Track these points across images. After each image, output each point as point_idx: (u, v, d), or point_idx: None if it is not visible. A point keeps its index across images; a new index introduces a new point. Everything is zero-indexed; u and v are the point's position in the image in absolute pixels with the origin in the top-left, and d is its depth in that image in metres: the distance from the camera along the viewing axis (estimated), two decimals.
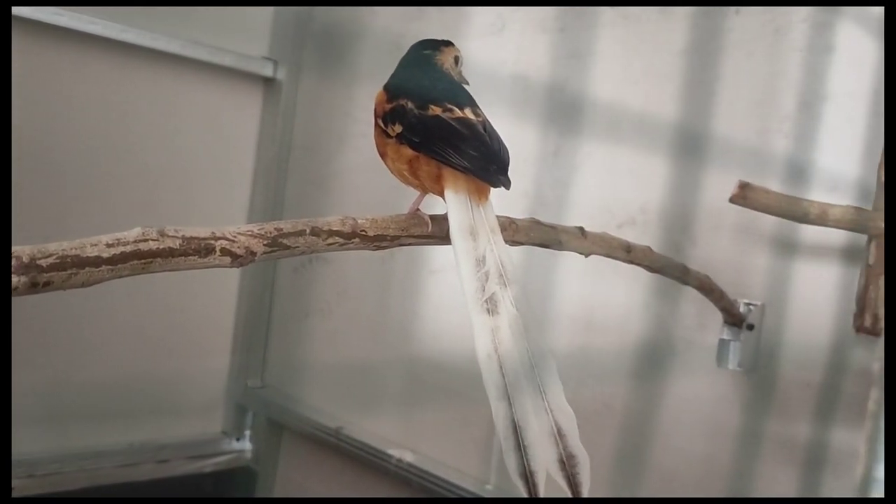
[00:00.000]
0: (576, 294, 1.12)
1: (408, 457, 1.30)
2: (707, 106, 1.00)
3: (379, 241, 0.61)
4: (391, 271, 1.39)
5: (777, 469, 0.92)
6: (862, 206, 0.83)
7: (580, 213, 1.11)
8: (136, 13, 1.38)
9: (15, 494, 1.31)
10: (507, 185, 0.63)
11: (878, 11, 0.87)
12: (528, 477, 0.55)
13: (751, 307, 0.94)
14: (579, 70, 1.13)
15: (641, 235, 1.03)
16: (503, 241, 0.62)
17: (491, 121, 0.66)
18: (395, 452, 1.32)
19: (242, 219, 1.60)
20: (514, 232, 0.68)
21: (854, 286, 0.86)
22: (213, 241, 0.50)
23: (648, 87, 1.06)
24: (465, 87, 0.71)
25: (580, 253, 0.76)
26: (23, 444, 1.27)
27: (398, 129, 0.64)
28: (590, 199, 1.11)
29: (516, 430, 0.55)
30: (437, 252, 1.28)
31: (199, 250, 0.49)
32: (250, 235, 0.52)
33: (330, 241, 0.57)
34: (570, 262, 1.07)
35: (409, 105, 0.64)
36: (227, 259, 0.51)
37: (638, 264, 0.82)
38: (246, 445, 1.63)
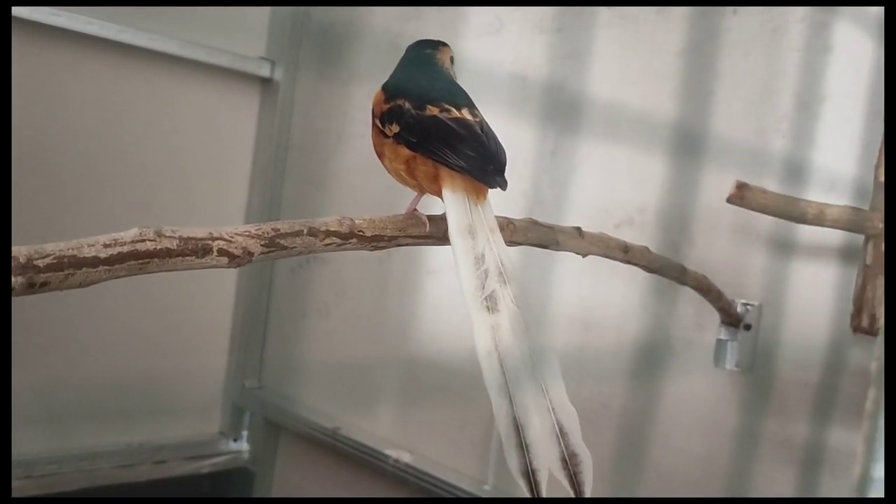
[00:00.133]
0: (573, 294, 1.12)
1: (405, 457, 1.30)
2: (705, 106, 1.00)
3: (376, 241, 0.61)
4: (389, 272, 1.39)
5: (775, 469, 0.93)
6: (859, 206, 0.84)
7: (578, 213, 1.11)
8: (134, 13, 1.37)
9: (12, 495, 1.31)
10: (503, 185, 0.63)
11: (876, 11, 0.87)
12: (530, 476, 0.55)
13: (748, 307, 0.94)
14: (577, 70, 1.13)
15: (639, 235, 1.03)
16: (502, 240, 0.62)
17: (488, 121, 0.66)
18: (392, 453, 1.32)
19: (240, 219, 1.60)
20: (512, 232, 0.68)
21: (851, 286, 0.86)
22: (210, 242, 0.50)
23: (646, 88, 1.07)
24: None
25: (578, 253, 0.76)
26: (20, 444, 1.27)
27: (395, 129, 0.64)
28: (587, 199, 1.11)
29: (518, 429, 0.55)
30: (435, 252, 1.28)
31: (196, 251, 0.49)
32: (248, 236, 0.52)
33: (327, 241, 0.57)
34: (567, 263, 1.07)
35: (407, 105, 0.64)
36: (225, 259, 0.51)
37: (635, 264, 0.82)
38: (243, 446, 1.62)
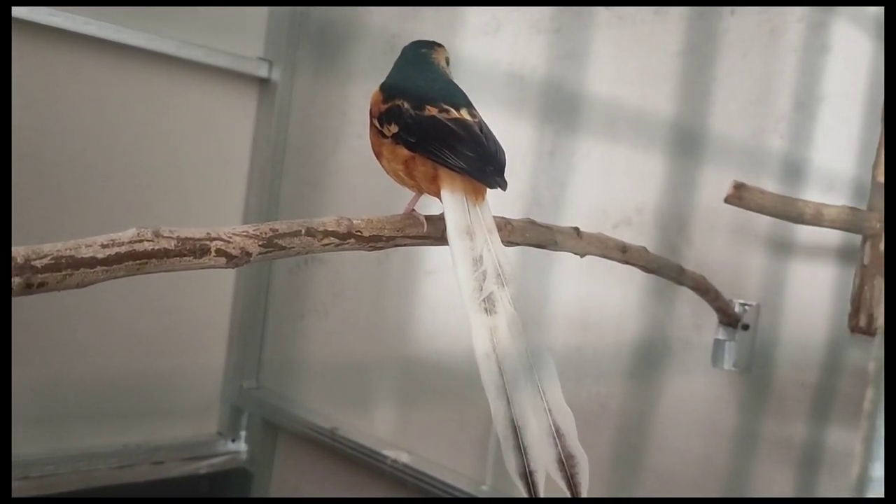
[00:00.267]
0: (571, 295, 1.12)
1: (403, 458, 1.30)
2: (702, 106, 1.00)
3: (374, 241, 0.61)
4: (387, 272, 1.39)
5: (773, 469, 0.93)
6: (857, 206, 0.84)
7: (576, 213, 1.11)
8: (131, 14, 1.37)
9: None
10: (503, 186, 0.63)
11: (874, 11, 0.87)
12: (527, 477, 0.55)
13: (746, 307, 0.94)
14: (575, 70, 1.13)
15: (637, 236, 1.03)
16: (500, 241, 0.62)
17: (486, 121, 0.66)
18: (390, 453, 1.32)
19: (238, 219, 1.60)
20: (510, 232, 0.68)
21: (849, 286, 0.86)
22: (208, 242, 0.50)
23: (644, 88, 1.07)
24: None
25: (576, 253, 0.76)
26: (18, 445, 1.26)
27: (394, 129, 0.64)
28: (585, 199, 1.11)
29: (516, 430, 0.55)
30: (433, 253, 1.28)
31: (194, 251, 0.49)
32: (245, 236, 0.52)
33: (325, 241, 0.57)
34: (565, 263, 1.07)
35: (405, 105, 0.64)
36: (223, 260, 0.51)
37: (633, 265, 0.82)
38: (241, 446, 1.62)
